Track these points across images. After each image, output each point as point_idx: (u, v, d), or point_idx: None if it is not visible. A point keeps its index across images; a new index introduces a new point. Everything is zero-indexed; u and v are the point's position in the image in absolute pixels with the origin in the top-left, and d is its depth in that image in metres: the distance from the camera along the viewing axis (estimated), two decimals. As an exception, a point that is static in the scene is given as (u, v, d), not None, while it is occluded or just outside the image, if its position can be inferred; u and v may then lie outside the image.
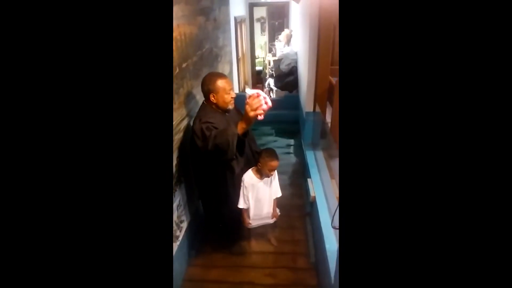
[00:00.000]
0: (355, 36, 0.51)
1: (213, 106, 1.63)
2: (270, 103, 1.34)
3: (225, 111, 1.66)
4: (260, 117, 1.35)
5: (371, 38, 0.49)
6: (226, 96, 1.61)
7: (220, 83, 1.58)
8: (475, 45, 0.43)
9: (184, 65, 1.83)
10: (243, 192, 1.81)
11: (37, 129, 0.48)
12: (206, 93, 1.61)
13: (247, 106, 1.35)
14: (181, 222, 1.82)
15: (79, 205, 0.50)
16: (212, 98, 1.61)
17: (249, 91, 1.35)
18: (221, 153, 1.48)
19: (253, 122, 1.41)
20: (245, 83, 5.13)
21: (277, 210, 1.98)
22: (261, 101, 1.33)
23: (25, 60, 0.46)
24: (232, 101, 1.65)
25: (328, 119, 2.40)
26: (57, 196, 0.49)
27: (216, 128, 1.53)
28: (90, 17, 0.49)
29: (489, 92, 0.43)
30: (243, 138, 1.48)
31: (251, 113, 1.34)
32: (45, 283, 0.48)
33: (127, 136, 0.52)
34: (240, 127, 1.43)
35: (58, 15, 0.47)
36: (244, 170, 1.78)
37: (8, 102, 0.45)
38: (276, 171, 1.91)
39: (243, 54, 4.96)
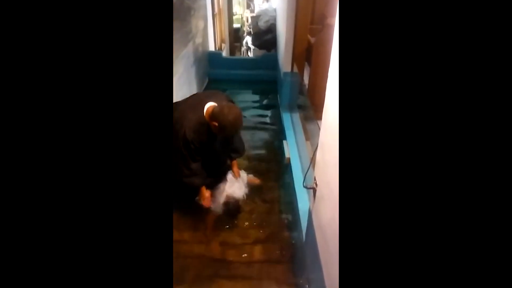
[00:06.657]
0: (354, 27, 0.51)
1: (208, 125, 1.61)
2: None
3: None
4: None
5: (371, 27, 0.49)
6: (221, 134, 1.64)
7: (229, 128, 1.54)
8: (471, 26, 0.43)
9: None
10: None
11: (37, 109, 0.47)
12: (213, 118, 1.55)
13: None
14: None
15: (77, 193, 0.50)
16: (212, 125, 1.57)
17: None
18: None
19: None
20: (222, 41, 4.88)
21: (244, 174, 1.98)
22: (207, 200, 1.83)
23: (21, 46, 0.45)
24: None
25: (306, 80, 2.36)
26: (54, 183, 0.49)
27: (198, 153, 1.65)
28: None
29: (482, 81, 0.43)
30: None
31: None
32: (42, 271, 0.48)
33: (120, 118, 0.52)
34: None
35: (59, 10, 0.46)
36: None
37: (5, 100, 0.45)
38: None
39: (219, 10, 4.66)
